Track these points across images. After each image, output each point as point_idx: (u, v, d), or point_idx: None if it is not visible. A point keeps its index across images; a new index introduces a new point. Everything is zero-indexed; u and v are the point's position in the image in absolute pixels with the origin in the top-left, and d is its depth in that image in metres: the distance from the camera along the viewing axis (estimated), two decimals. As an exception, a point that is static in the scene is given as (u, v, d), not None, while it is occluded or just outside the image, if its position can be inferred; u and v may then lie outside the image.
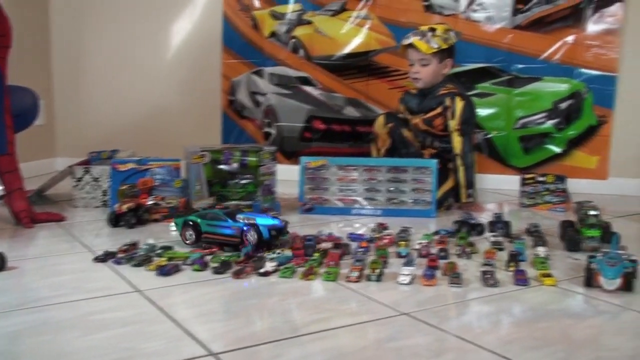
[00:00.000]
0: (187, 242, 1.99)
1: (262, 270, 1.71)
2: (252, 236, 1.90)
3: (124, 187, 2.44)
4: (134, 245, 1.94)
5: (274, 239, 1.93)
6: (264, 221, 1.93)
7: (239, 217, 1.96)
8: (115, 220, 2.27)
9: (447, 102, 2.67)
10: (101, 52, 3.59)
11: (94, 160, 2.70)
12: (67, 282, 1.67)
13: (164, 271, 1.70)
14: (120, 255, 1.85)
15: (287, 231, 2.01)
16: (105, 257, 1.84)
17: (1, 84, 2.24)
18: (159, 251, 1.89)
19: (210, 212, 2.02)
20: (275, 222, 1.95)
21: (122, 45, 3.58)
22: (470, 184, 2.66)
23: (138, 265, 1.78)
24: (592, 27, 3.03)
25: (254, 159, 2.56)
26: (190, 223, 1.99)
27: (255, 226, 1.91)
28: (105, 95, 3.62)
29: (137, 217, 2.29)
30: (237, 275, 1.68)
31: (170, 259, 1.82)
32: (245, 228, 1.91)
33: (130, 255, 1.84)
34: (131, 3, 3.54)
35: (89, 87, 3.63)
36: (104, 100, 3.62)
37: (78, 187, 2.58)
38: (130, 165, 2.50)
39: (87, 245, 2.01)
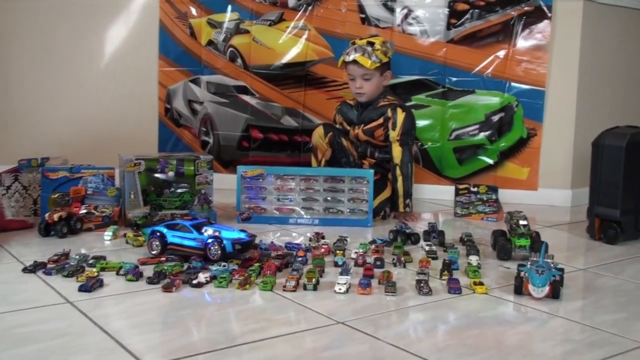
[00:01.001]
0: (153, 252, 1.95)
1: (194, 282, 1.69)
2: (215, 249, 1.87)
3: (55, 196, 2.37)
4: (65, 256, 1.89)
5: (239, 252, 1.90)
6: (229, 234, 1.91)
7: (205, 229, 1.93)
8: (46, 230, 2.21)
9: (389, 113, 2.70)
10: (32, 57, 3.48)
11: (24, 168, 2.62)
12: (-6, 293, 1.61)
13: (85, 287, 1.63)
14: (50, 266, 1.80)
15: (255, 245, 1.99)
16: (34, 268, 1.78)
17: None
18: (91, 261, 1.85)
19: (178, 222, 1.98)
20: (241, 235, 1.92)
21: (55, 51, 3.48)
22: (407, 194, 2.69)
23: (69, 275, 1.73)
24: (522, 42, 3.12)
25: (191, 167, 2.53)
26: (157, 234, 1.95)
27: (219, 239, 1.88)
28: (37, 101, 3.51)
29: (68, 226, 2.23)
30: (167, 288, 1.65)
31: (102, 269, 1.78)
32: (209, 241, 1.89)
33: (61, 266, 1.79)
34: (63, 8, 3.44)
35: (18, 92, 3.51)
36: (35, 107, 3.51)
37: (7, 195, 2.49)
38: (62, 174, 2.43)
39: (15, 255, 1.95)
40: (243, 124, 3.38)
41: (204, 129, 3.43)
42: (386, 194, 2.72)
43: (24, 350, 1.27)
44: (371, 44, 2.72)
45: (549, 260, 1.72)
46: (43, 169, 2.45)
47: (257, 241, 2.05)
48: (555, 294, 1.66)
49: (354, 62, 2.71)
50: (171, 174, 2.52)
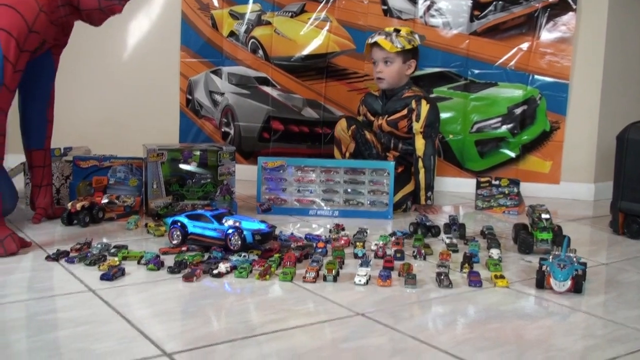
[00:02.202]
0: (174, 242, 1.96)
1: (215, 272, 1.70)
2: (235, 240, 1.88)
3: (82, 184, 2.41)
4: (87, 244, 1.91)
5: (259, 243, 1.91)
6: (249, 225, 1.91)
7: (226, 220, 1.93)
8: (69, 219, 2.23)
9: (413, 104, 2.69)
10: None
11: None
12: (17, 281, 1.64)
13: (107, 276, 1.64)
14: (73, 254, 1.81)
15: (275, 236, 1.99)
16: (57, 256, 1.80)
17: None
18: (112, 250, 1.86)
19: (198, 213, 1.99)
20: (261, 226, 1.93)
21: (77, 42, 3.50)
22: (429, 187, 2.69)
23: (91, 264, 1.75)
24: (546, 35, 3.09)
25: (213, 158, 2.54)
26: (179, 224, 1.96)
27: (239, 230, 1.89)
28: (59, 91, 3.53)
29: (91, 215, 2.25)
30: (187, 278, 1.66)
31: (124, 258, 1.80)
32: (229, 231, 1.89)
33: (83, 254, 1.81)
34: None
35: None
36: (58, 97, 3.54)
37: (30, 184, 2.52)
38: (92, 162, 2.46)
39: (39, 243, 1.97)
40: (264, 116, 3.38)
41: (225, 120, 3.44)
42: (409, 187, 2.71)
43: (48, 337, 1.29)
44: (397, 30, 2.71)
45: (572, 255, 1.70)
46: (75, 157, 2.48)
47: (277, 232, 2.06)
48: (577, 288, 1.64)
49: (376, 44, 2.70)
50: (195, 164, 2.52)
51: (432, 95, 3.14)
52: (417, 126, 2.68)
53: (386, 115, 2.77)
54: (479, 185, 2.84)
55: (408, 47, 2.70)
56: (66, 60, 3.49)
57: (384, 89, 2.77)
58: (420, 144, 2.68)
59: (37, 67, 2.20)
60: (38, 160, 2.30)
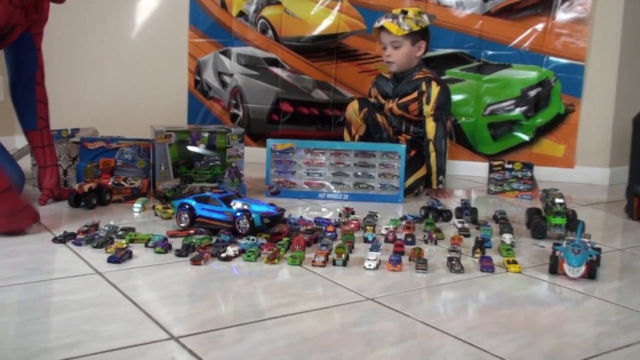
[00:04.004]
0: (182, 225, 1.96)
1: (223, 255, 1.70)
2: (244, 223, 1.88)
3: (89, 166, 2.41)
4: (94, 227, 1.91)
5: (268, 226, 1.91)
6: (257, 208, 1.91)
7: (234, 202, 1.93)
8: (76, 201, 2.23)
9: (423, 86, 2.67)
10: (64, 29, 3.50)
11: (54, 138, 2.65)
12: (25, 263, 1.64)
13: (115, 258, 1.65)
14: (80, 237, 1.82)
15: (283, 219, 1.99)
16: (64, 238, 1.81)
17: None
18: (120, 233, 1.87)
19: (206, 195, 1.99)
20: (270, 209, 1.93)
21: (85, 22, 3.51)
22: (440, 170, 2.67)
23: (98, 246, 1.75)
24: (562, 15, 3.05)
25: (222, 140, 2.53)
26: (186, 206, 1.96)
27: (247, 213, 1.89)
28: (66, 72, 3.55)
29: (98, 197, 2.26)
30: (195, 261, 1.66)
31: (131, 240, 1.80)
32: (237, 214, 1.89)
33: (90, 237, 1.81)
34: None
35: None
36: (64, 78, 3.54)
37: (37, 165, 2.53)
38: (99, 144, 2.46)
39: (46, 225, 1.97)
40: (273, 97, 3.37)
41: (234, 102, 3.43)
42: (422, 172, 2.69)
43: (55, 319, 1.30)
44: (405, 12, 2.68)
45: (586, 240, 1.70)
46: (82, 138, 2.48)
47: (286, 216, 2.05)
48: (591, 274, 1.63)
49: (383, 28, 2.68)
50: (203, 146, 2.52)
51: (444, 77, 3.12)
52: (428, 109, 2.66)
53: (397, 98, 2.75)
54: (491, 169, 2.82)
55: (416, 28, 2.67)
56: (73, 41, 3.51)
57: (394, 71, 2.75)
58: (430, 126, 2.66)
59: (20, 49, 2.22)
60: (35, 141, 2.31)
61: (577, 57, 3.05)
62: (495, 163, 2.83)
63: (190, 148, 2.51)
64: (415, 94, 2.69)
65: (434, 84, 2.67)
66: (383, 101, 2.81)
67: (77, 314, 1.32)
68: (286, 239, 1.84)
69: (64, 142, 2.57)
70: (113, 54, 3.51)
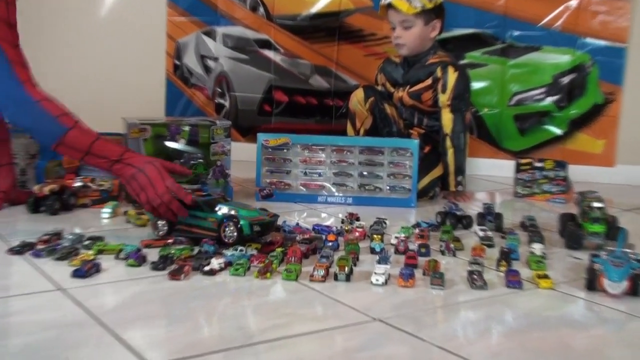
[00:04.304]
0: (160, 233, 1.96)
1: (206, 269, 1.70)
2: (230, 231, 1.88)
3: (51, 164, 2.41)
4: (57, 235, 1.91)
5: (258, 235, 1.91)
6: (247, 214, 1.91)
7: (219, 207, 1.93)
8: (36, 205, 2.23)
9: (438, 72, 2.67)
10: (26, 7, 3.51)
11: (12, 132, 2.65)
12: (-25, 278, 1.64)
13: (81, 272, 1.63)
14: (40, 247, 1.81)
15: (277, 227, 2.00)
16: (21, 249, 1.80)
17: None
18: (86, 242, 1.87)
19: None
20: (261, 215, 1.93)
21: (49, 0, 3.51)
22: (459, 170, 2.67)
23: (61, 258, 1.75)
24: (600, -10, 3.07)
25: (205, 135, 2.53)
26: None
27: (235, 219, 1.88)
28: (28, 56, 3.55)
29: (61, 201, 2.25)
30: (174, 275, 1.65)
31: (99, 252, 1.80)
32: (223, 221, 1.89)
33: (52, 247, 1.81)
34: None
35: None
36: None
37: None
38: None
39: (0, 234, 1.97)
40: (265, 85, 3.38)
41: (219, 90, 3.44)
42: (438, 171, 2.69)
43: (11, 343, 1.29)
44: None
45: (629, 251, 1.70)
46: None
47: (279, 222, 2.05)
48: (635, 290, 1.63)
49: (391, 6, 2.68)
50: (183, 141, 2.52)
51: (463, 62, 3.12)
52: (444, 98, 2.66)
53: (408, 86, 2.75)
54: (518, 168, 2.83)
55: (429, 6, 2.68)
56: (34, 20, 3.50)
57: (405, 55, 2.75)
58: (447, 119, 2.66)
59: None
60: None
61: (618, 38, 3.07)
62: (523, 161, 2.83)
63: (169, 144, 2.51)
64: (429, 81, 2.69)
65: (450, 69, 2.67)
66: (392, 89, 2.82)
67: (37, 337, 1.31)
68: (280, 249, 1.84)
69: (21, 136, 2.56)
70: (80, 34, 3.52)
